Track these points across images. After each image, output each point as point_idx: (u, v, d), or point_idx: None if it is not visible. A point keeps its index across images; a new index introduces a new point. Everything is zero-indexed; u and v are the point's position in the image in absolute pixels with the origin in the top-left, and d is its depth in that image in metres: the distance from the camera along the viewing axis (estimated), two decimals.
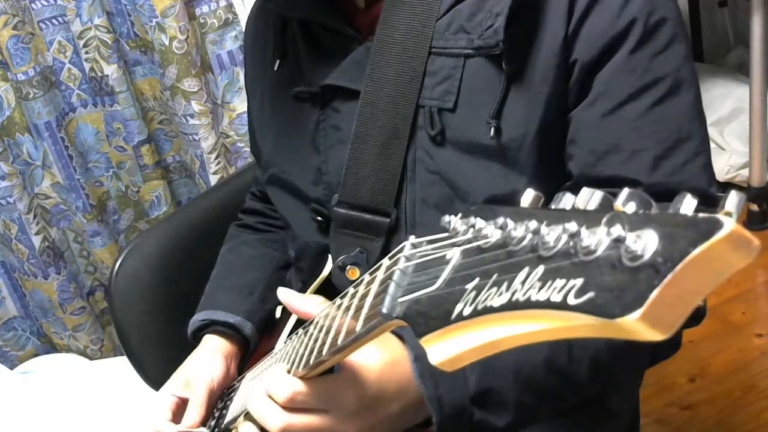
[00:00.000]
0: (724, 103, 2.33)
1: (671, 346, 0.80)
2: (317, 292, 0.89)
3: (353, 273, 0.85)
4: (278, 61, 0.94)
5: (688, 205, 0.29)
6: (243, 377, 0.94)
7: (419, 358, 0.68)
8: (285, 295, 0.75)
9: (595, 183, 0.75)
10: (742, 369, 1.71)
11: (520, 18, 0.74)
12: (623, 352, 0.74)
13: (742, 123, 2.23)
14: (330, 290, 0.86)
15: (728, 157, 2.23)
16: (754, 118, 2.03)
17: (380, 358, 0.68)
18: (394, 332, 0.70)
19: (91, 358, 1.91)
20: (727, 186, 2.23)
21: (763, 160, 2.08)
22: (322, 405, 0.65)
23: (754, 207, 2.11)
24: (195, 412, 0.89)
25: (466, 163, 0.78)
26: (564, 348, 0.72)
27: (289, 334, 0.85)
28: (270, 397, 0.66)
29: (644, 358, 0.80)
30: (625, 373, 0.83)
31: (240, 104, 1.81)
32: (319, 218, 0.89)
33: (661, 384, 1.70)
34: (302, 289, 0.94)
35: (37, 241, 1.83)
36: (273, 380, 0.66)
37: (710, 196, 0.76)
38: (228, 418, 0.88)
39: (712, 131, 2.31)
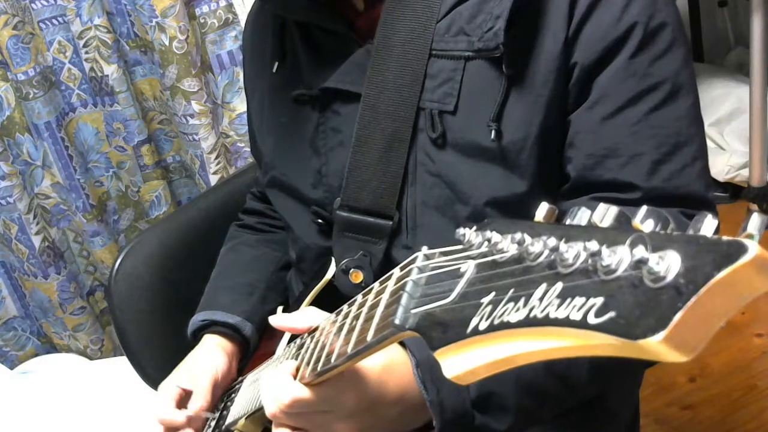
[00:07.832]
0: (724, 103, 2.33)
1: None
2: (320, 294, 0.89)
3: (356, 276, 0.85)
4: (276, 63, 0.93)
5: (708, 225, 0.29)
6: (243, 379, 0.94)
7: (421, 363, 0.69)
8: (279, 321, 0.74)
9: (593, 186, 0.75)
10: (742, 369, 1.71)
11: (521, 20, 0.74)
12: None
13: (742, 123, 2.24)
14: (332, 293, 0.86)
15: (728, 157, 2.23)
16: (754, 118, 2.03)
17: (380, 361, 0.68)
18: None
19: (91, 358, 1.90)
20: (727, 186, 2.23)
21: (763, 160, 2.08)
22: (323, 408, 0.66)
23: (754, 207, 2.11)
24: (202, 398, 0.89)
25: (467, 166, 0.78)
26: None
27: (291, 338, 0.85)
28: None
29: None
30: (625, 374, 0.84)
31: (240, 104, 1.81)
32: (320, 221, 0.89)
33: (661, 384, 1.70)
34: (304, 291, 0.94)
35: (37, 241, 1.83)
36: (278, 383, 0.67)
37: (707, 202, 0.76)
38: (229, 420, 0.88)
39: (712, 131, 2.31)
